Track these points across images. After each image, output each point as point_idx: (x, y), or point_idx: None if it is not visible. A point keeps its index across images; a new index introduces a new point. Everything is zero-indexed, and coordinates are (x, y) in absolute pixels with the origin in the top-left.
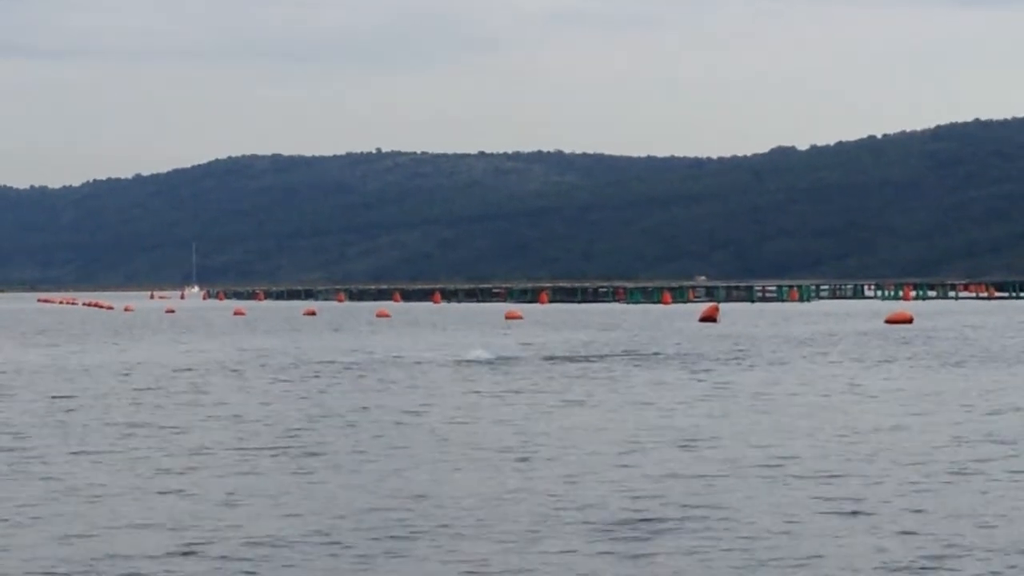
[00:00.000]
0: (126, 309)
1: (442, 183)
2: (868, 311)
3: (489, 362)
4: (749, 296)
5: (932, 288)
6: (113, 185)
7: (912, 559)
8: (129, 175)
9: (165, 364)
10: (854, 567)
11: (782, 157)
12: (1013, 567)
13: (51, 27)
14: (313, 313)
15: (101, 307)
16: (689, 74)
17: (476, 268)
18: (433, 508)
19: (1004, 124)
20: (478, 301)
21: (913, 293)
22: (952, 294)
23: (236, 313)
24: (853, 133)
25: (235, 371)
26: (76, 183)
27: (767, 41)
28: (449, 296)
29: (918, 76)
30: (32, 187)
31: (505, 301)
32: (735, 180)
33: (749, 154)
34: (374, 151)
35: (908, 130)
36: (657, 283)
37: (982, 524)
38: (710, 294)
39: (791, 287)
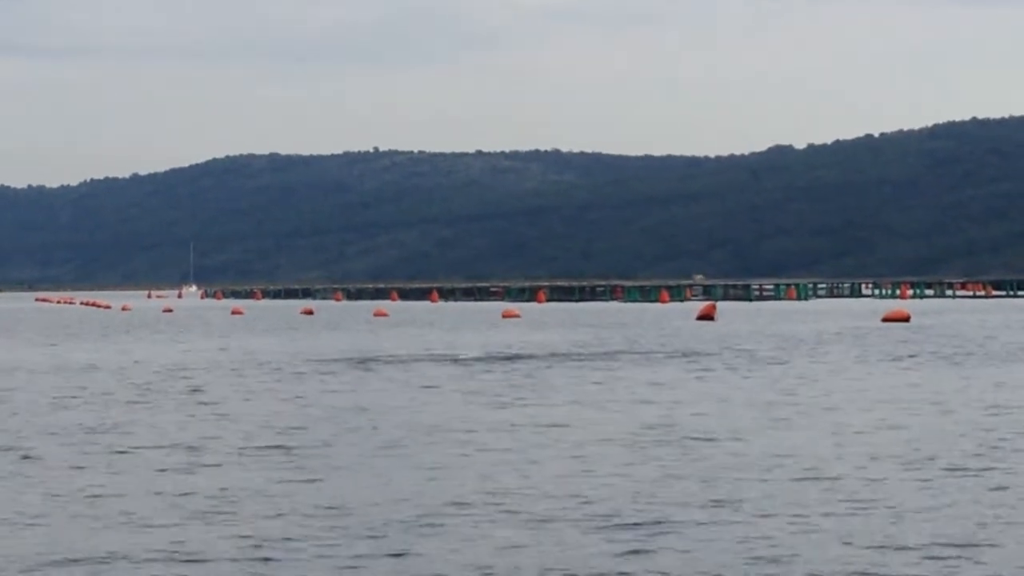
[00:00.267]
0: (124, 308)
1: (440, 182)
2: (865, 310)
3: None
4: (747, 295)
5: (929, 287)
6: (111, 184)
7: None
8: (127, 174)
9: (161, 362)
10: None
11: (780, 156)
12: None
13: (49, 26)
14: (311, 312)
15: (99, 306)
16: (687, 73)
17: (474, 267)
18: (433, 508)
19: (1002, 123)
20: (476, 300)
21: (910, 292)
22: (949, 293)
23: (234, 312)
24: (851, 132)
25: (234, 370)
26: (74, 182)
27: (765, 40)
28: (447, 295)
29: (916, 75)
30: (30, 186)
31: (503, 300)
32: (733, 179)
33: (747, 153)
34: (372, 150)
35: (906, 129)
36: (655, 282)
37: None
38: (708, 293)
39: (789, 286)
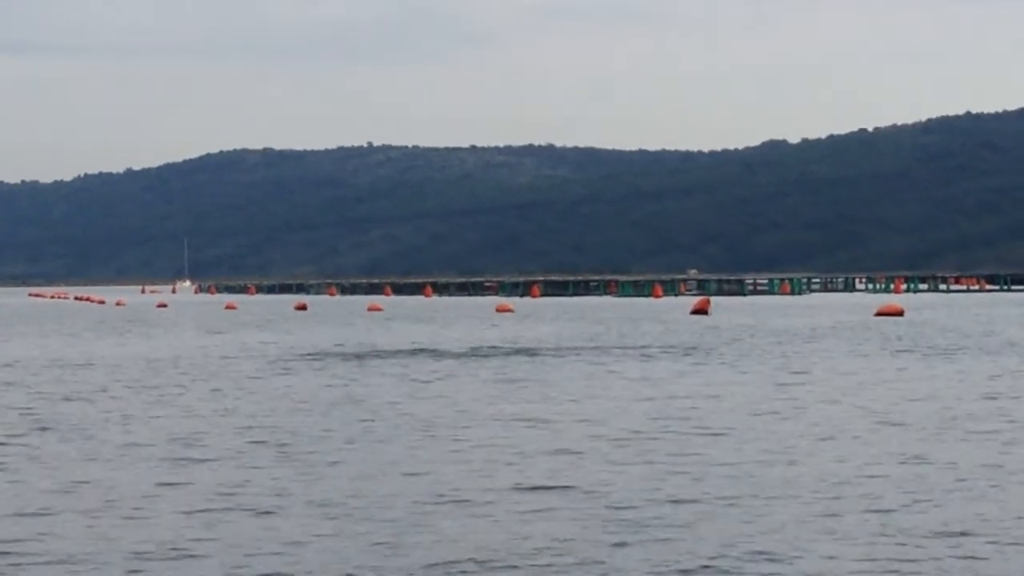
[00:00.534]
0: (118, 303)
1: (433, 177)
2: (859, 304)
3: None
4: (740, 289)
5: (923, 281)
6: (104, 179)
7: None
8: (120, 169)
9: (154, 356)
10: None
11: (773, 150)
12: None
13: (42, 23)
14: (304, 307)
15: (92, 301)
16: (680, 68)
17: (468, 262)
18: (437, 498)
19: (995, 117)
20: (469, 295)
21: (904, 286)
22: (943, 287)
23: (228, 307)
24: (844, 126)
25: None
26: (67, 177)
27: (758, 35)
28: (440, 290)
29: (909, 69)
30: (23, 181)
31: (496, 294)
32: (726, 173)
33: (740, 147)
34: (365, 145)
35: (899, 123)
36: (648, 276)
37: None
38: (701, 287)
39: (782, 280)
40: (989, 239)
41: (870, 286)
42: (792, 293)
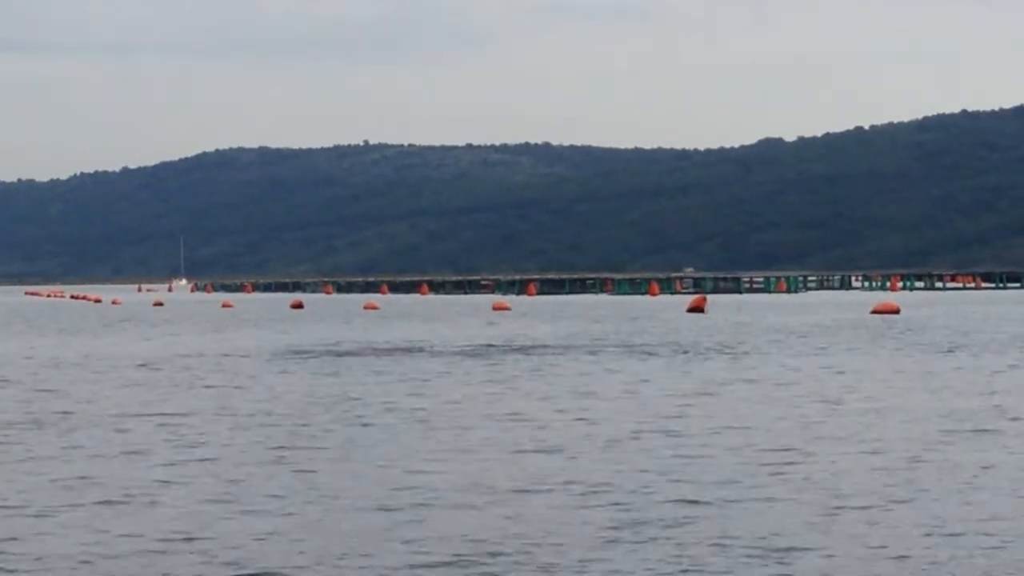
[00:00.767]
0: (114, 302)
1: (429, 175)
2: (855, 302)
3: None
4: (737, 287)
5: (919, 279)
6: (100, 178)
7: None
8: (117, 168)
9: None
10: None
11: (769, 148)
12: None
13: (39, 21)
14: (300, 305)
15: (89, 300)
16: (676, 66)
17: (464, 260)
18: (439, 496)
19: (991, 115)
20: (466, 293)
21: (900, 284)
22: (939, 285)
23: (224, 306)
24: (840, 124)
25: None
26: (63, 176)
27: (755, 33)
28: (437, 288)
29: (905, 68)
30: (19, 180)
31: (493, 293)
32: (722, 172)
33: (736, 145)
34: (361, 143)
35: (895, 121)
36: (645, 275)
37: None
38: (698, 285)
39: (779, 278)
40: (985, 237)
41: (866, 284)
42: (788, 291)
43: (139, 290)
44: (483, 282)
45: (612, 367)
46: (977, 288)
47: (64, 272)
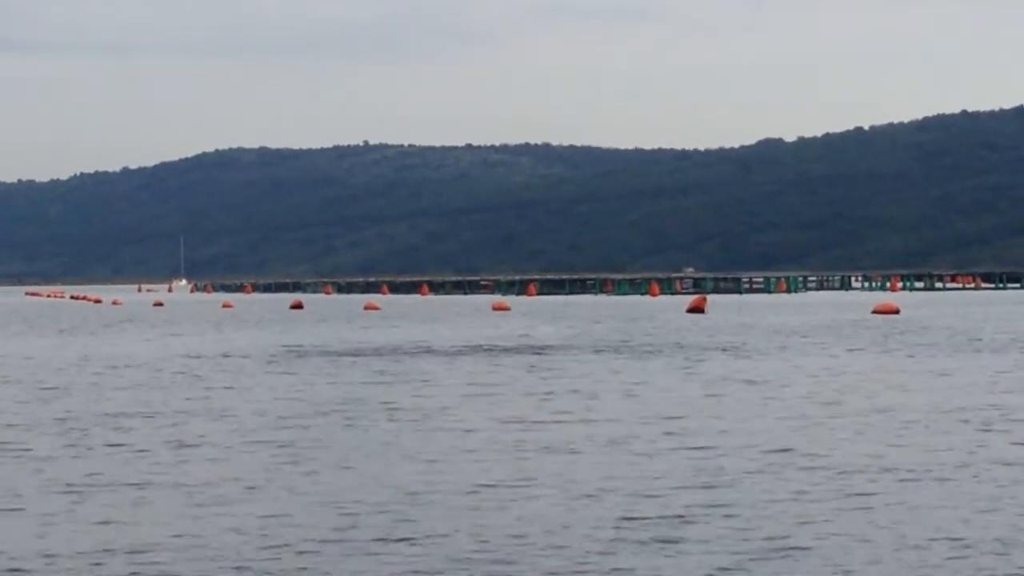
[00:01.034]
0: (114, 303)
1: (429, 176)
2: (855, 302)
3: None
4: (737, 288)
5: (919, 279)
6: (100, 178)
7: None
8: (117, 168)
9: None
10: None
11: (769, 149)
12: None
13: (39, 21)
14: (300, 306)
15: (89, 300)
16: (676, 66)
17: (464, 260)
18: (439, 498)
19: (991, 115)
20: (466, 293)
21: (900, 284)
22: (939, 285)
23: (224, 306)
24: (840, 125)
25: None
26: (64, 176)
27: (755, 34)
28: (437, 288)
29: (905, 68)
30: (20, 180)
31: (493, 293)
32: (722, 172)
33: (736, 146)
34: (361, 144)
35: (895, 121)
36: (645, 275)
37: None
38: (698, 286)
39: (779, 279)
40: (985, 237)
41: (866, 284)
42: (788, 291)
43: (139, 290)
44: (483, 282)
45: (612, 367)
46: (977, 288)
47: (64, 272)
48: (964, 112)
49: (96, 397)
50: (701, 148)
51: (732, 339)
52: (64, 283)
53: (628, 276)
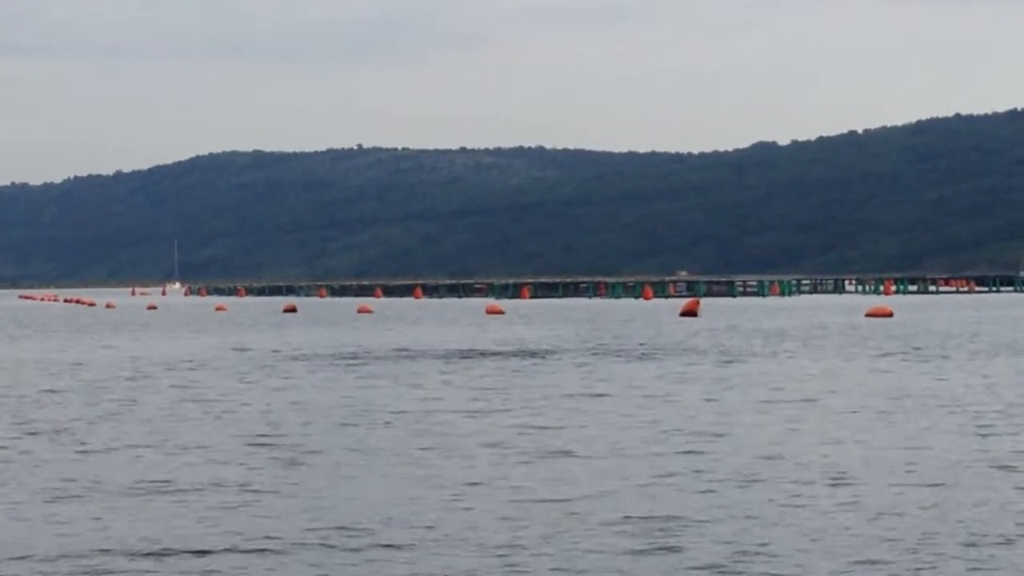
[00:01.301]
0: (108, 306)
1: (423, 179)
2: (849, 305)
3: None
4: (730, 291)
5: (913, 282)
6: (94, 182)
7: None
8: (110, 171)
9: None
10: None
11: (763, 152)
12: None
13: (33, 24)
14: (293, 309)
15: (83, 303)
16: (670, 69)
17: (458, 263)
18: (436, 501)
19: (985, 119)
20: (459, 296)
21: (894, 287)
22: (933, 288)
23: (218, 309)
24: (834, 128)
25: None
26: (57, 180)
27: (749, 37)
28: (431, 292)
29: (899, 71)
30: (13, 183)
31: (487, 296)
32: (716, 175)
33: (730, 149)
34: (355, 147)
35: (889, 125)
36: (638, 278)
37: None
38: (691, 289)
39: (772, 282)
40: (979, 241)
41: (860, 288)
42: (782, 294)
43: (133, 293)
44: (477, 285)
45: (606, 371)
46: (970, 292)
47: (58, 276)
48: (958, 115)
49: (90, 400)
50: (695, 151)
51: (724, 342)
52: (58, 286)
53: (622, 279)
